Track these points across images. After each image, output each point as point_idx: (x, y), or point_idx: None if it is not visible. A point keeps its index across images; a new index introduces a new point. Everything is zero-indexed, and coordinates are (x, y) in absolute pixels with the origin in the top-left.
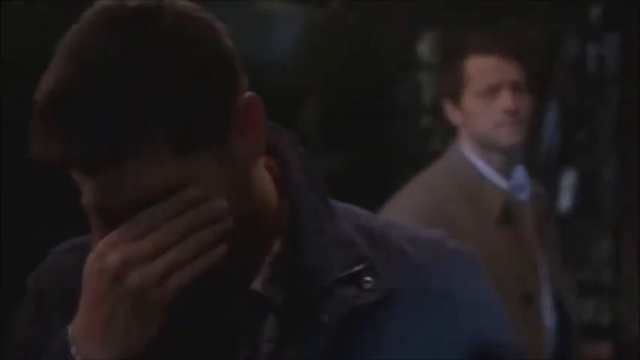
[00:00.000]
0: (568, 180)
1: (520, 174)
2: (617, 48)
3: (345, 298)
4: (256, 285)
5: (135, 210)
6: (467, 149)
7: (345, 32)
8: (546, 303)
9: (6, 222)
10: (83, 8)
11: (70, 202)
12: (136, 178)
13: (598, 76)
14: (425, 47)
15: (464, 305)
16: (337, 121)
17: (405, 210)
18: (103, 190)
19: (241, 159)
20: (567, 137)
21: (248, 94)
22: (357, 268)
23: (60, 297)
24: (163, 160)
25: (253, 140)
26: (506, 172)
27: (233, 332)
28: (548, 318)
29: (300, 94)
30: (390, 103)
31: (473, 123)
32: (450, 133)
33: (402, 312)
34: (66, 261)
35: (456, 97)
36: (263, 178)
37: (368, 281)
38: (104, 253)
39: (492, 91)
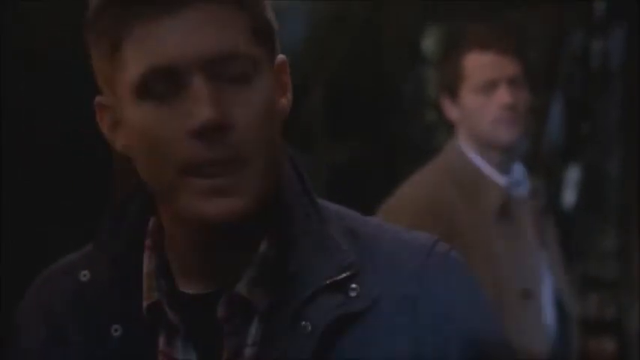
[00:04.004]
0: (572, 174)
1: (518, 169)
2: (622, 41)
3: (330, 306)
4: (241, 287)
5: (206, 69)
6: (465, 145)
7: (351, 25)
8: (546, 299)
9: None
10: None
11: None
12: (217, 27)
13: (602, 70)
14: (430, 41)
15: (452, 311)
16: (342, 114)
17: (404, 208)
18: (182, 37)
19: (280, 110)
20: (571, 131)
21: (281, 56)
22: (344, 275)
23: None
24: (241, 28)
25: (283, 101)
26: (504, 168)
27: (216, 335)
28: (548, 314)
29: (305, 86)
30: (395, 97)
31: (470, 119)
32: (455, 127)
33: (388, 319)
34: (47, 296)
35: (453, 93)
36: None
37: (354, 288)
38: None
39: (490, 86)
